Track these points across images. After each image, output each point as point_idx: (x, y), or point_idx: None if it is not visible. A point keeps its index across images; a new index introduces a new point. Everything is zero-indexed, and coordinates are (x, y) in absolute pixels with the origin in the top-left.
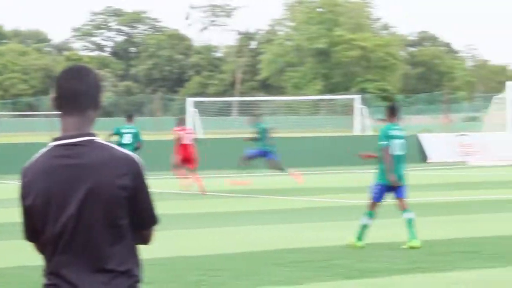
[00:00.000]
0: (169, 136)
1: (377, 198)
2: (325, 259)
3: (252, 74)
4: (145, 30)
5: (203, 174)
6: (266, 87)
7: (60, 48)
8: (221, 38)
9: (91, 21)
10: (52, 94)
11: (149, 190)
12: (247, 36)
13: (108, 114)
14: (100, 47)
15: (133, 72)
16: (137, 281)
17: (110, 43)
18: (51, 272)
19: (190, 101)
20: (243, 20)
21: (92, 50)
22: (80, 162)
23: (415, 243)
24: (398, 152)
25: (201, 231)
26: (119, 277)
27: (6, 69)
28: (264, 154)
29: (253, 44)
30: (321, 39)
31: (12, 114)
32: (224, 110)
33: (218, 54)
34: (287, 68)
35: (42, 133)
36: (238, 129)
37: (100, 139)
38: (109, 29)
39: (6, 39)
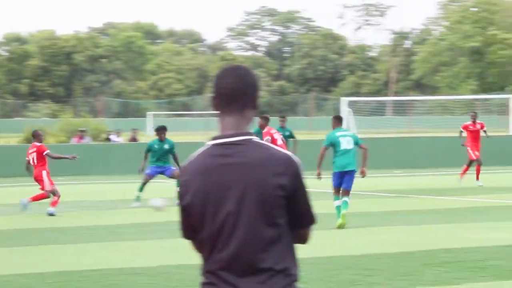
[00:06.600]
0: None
1: None
2: (479, 260)
3: (406, 73)
4: (299, 29)
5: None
6: (420, 86)
7: (215, 48)
8: (375, 37)
9: (245, 21)
10: (210, 94)
11: (307, 189)
12: (401, 36)
13: (262, 113)
14: (254, 47)
15: (286, 72)
16: (295, 280)
17: (264, 43)
18: (209, 270)
19: (344, 100)
20: (396, 20)
21: (246, 50)
22: (238, 161)
23: None
24: None
25: (355, 231)
26: (276, 276)
27: (161, 69)
28: None
29: (407, 44)
30: (475, 38)
31: (167, 113)
32: (378, 110)
33: (372, 54)
34: (441, 67)
35: (197, 132)
36: (392, 128)
37: (258, 138)
38: (263, 29)
39: (161, 39)
